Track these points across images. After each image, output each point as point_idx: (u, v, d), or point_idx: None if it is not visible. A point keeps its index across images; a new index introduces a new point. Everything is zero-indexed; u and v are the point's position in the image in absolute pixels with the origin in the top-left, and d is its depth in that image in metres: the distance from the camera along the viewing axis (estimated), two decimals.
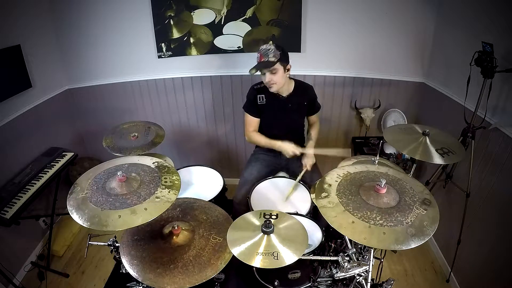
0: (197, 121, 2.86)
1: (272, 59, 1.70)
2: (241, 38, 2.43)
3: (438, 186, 2.12)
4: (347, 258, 1.24)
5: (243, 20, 2.37)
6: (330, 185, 1.19)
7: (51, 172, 2.15)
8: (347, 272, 1.21)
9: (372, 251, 1.19)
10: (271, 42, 1.77)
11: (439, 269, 2.18)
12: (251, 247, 1.09)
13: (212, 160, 3.02)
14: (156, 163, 1.33)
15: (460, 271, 1.99)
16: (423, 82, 2.41)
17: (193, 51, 2.52)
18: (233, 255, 1.09)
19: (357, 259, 1.26)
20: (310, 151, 1.88)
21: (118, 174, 1.19)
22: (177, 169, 1.87)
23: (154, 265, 1.15)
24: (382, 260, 1.72)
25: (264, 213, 1.23)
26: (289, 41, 2.36)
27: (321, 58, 2.48)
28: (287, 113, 1.92)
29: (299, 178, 1.81)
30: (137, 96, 2.75)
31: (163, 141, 1.96)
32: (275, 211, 1.25)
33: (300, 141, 2.03)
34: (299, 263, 1.14)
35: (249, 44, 2.45)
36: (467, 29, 1.89)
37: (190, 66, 2.60)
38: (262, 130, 2.00)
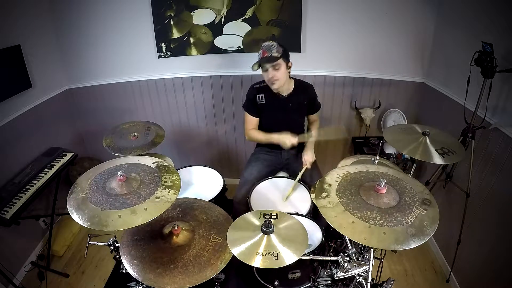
0: (197, 121, 2.86)
1: (276, 54, 1.70)
2: (241, 38, 2.43)
3: (438, 186, 2.12)
4: (347, 258, 1.24)
5: (243, 20, 2.37)
6: (330, 185, 1.19)
7: (51, 172, 2.15)
8: (347, 272, 1.21)
9: (372, 251, 1.19)
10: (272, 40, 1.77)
11: (439, 269, 2.18)
12: (251, 247, 1.09)
13: (212, 160, 3.02)
14: (156, 163, 1.33)
15: (460, 271, 1.99)
16: (423, 82, 2.41)
17: (193, 51, 2.52)
18: (233, 255, 1.09)
19: (357, 259, 1.26)
20: (309, 145, 1.89)
21: (118, 174, 1.19)
22: (177, 169, 1.86)
23: (154, 265, 1.15)
24: (382, 260, 1.72)
25: (264, 213, 1.23)
26: (289, 41, 2.36)
27: (321, 58, 2.48)
28: (287, 112, 1.92)
29: (299, 176, 1.81)
30: (137, 96, 2.75)
31: (163, 141, 1.96)
32: (275, 211, 1.25)
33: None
34: (299, 263, 1.14)
35: (249, 44, 2.45)
36: (467, 29, 1.89)
37: (190, 66, 2.60)
38: (262, 129, 2.00)
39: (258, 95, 1.90)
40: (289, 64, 1.80)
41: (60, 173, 2.22)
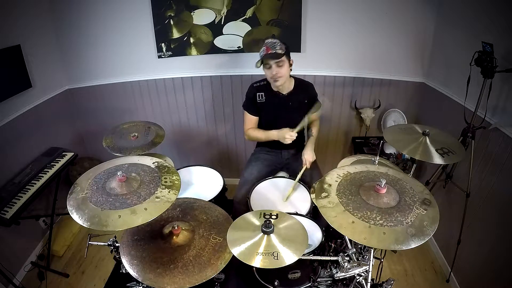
0: (197, 121, 2.86)
1: (280, 51, 1.71)
2: (241, 38, 2.43)
3: (438, 186, 2.12)
4: (347, 258, 1.24)
5: (243, 20, 2.37)
6: (330, 185, 1.19)
7: (51, 172, 2.15)
8: (347, 272, 1.21)
9: (372, 251, 1.19)
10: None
11: (439, 269, 2.18)
12: (251, 247, 1.09)
13: (212, 160, 3.02)
14: (156, 163, 1.33)
15: (460, 271, 1.99)
16: (423, 82, 2.41)
17: (193, 51, 2.52)
18: (233, 255, 1.09)
19: (357, 259, 1.26)
20: (309, 145, 1.89)
21: (118, 174, 1.19)
22: (177, 169, 1.86)
23: (154, 265, 1.15)
24: (382, 260, 1.72)
25: (264, 213, 1.23)
26: (289, 41, 2.32)
27: (321, 58, 2.48)
28: (288, 111, 1.92)
29: (299, 176, 1.80)
30: (137, 96, 2.75)
31: (163, 141, 1.96)
32: (275, 211, 1.25)
33: (300, 140, 2.02)
34: (299, 263, 1.14)
35: (249, 44, 2.45)
36: (467, 29, 1.89)
37: (190, 66, 2.60)
38: (262, 128, 1.99)
39: (258, 94, 1.90)
40: (291, 62, 1.80)
41: (60, 173, 2.22)
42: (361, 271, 1.21)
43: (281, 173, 2.02)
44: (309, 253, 1.38)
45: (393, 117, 2.53)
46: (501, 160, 1.64)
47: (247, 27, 2.39)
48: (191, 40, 2.47)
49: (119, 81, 2.68)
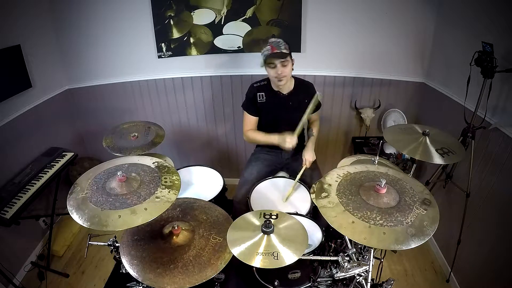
0: (197, 121, 2.86)
1: (285, 51, 1.71)
2: (241, 38, 2.43)
3: (438, 186, 2.12)
4: (347, 258, 1.24)
5: (243, 20, 2.37)
6: (330, 185, 1.19)
7: (51, 172, 2.15)
8: (347, 272, 1.21)
9: (372, 251, 1.19)
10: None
11: (439, 269, 2.18)
12: (251, 247, 1.09)
13: (212, 160, 3.02)
14: (156, 163, 1.33)
15: (460, 271, 1.99)
16: (423, 82, 2.41)
17: (193, 51, 2.52)
18: (233, 255, 1.09)
19: (357, 259, 1.26)
20: (310, 144, 1.89)
21: (118, 174, 1.19)
22: (177, 169, 1.86)
23: (154, 265, 1.15)
24: (382, 260, 1.72)
25: (264, 213, 1.23)
26: (289, 41, 2.31)
27: (321, 58, 2.48)
28: (288, 111, 1.91)
29: (298, 176, 1.80)
30: (137, 96, 2.75)
31: (163, 141, 1.96)
32: (275, 211, 1.25)
33: (301, 140, 2.02)
34: (299, 263, 1.14)
35: (249, 44, 2.45)
36: (467, 29, 1.89)
37: (190, 66, 2.60)
38: (262, 128, 1.99)
39: (258, 94, 1.90)
40: (293, 62, 1.80)
41: (60, 173, 2.22)
42: (361, 271, 1.21)
43: (281, 173, 2.02)
44: (309, 253, 1.38)
45: (393, 117, 2.53)
46: (501, 160, 1.64)
47: (247, 27, 2.39)
48: (191, 40, 2.47)
49: (119, 81, 2.68)
